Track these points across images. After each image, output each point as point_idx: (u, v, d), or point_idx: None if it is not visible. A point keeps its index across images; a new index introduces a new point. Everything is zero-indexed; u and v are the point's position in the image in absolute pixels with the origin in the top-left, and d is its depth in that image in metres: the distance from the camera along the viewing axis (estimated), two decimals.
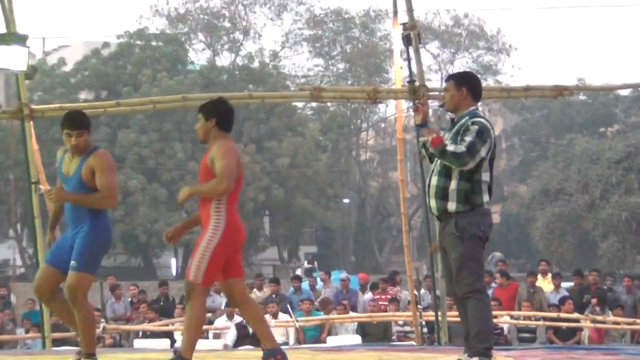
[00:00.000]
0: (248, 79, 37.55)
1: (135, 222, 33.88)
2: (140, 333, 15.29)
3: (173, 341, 14.75)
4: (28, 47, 10.46)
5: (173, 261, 39.50)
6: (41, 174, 10.80)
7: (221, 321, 15.15)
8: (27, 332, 15.03)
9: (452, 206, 6.38)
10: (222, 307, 15.72)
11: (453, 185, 6.39)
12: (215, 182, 6.25)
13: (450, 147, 6.30)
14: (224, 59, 40.73)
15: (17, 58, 10.38)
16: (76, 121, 6.76)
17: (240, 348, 12.75)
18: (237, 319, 14.58)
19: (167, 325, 15.33)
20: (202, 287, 6.30)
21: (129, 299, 17.89)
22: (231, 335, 14.04)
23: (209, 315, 15.83)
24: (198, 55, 40.84)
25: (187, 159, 35.08)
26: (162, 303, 17.30)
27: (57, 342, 12.62)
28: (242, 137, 36.32)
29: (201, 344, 13.86)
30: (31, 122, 10.83)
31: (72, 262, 6.49)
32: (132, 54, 37.43)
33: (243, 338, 13.78)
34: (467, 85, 6.61)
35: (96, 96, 35.80)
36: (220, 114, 6.69)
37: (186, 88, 31.98)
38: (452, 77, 6.80)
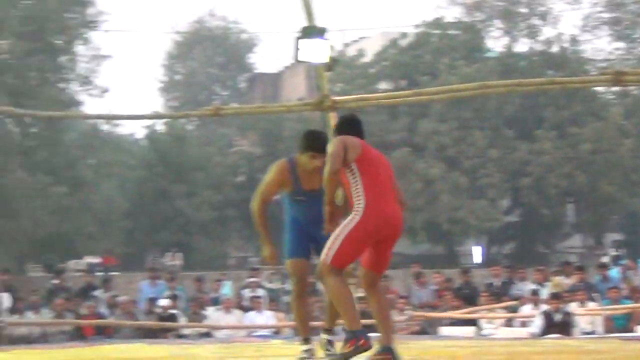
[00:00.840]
0: (547, 65, 36.84)
1: (437, 210, 34.13)
2: (446, 321, 15.41)
3: (479, 329, 14.76)
4: (328, 40, 10.75)
5: (476, 249, 39.44)
6: None
7: (527, 309, 14.99)
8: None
9: None
10: (527, 295, 15.55)
11: None
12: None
13: None
14: (522, 45, 40.16)
15: (317, 51, 10.68)
16: (325, 144, 6.92)
17: (546, 337, 12.55)
18: (543, 307, 14.37)
19: (472, 313, 15.35)
20: (331, 266, 6.27)
21: (433, 287, 18.06)
22: (537, 324, 13.84)
23: (514, 302, 15.74)
24: (495, 42, 40.50)
25: (488, 146, 34.90)
26: (465, 291, 17.35)
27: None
28: (543, 123, 35.70)
29: (507, 333, 13.85)
30: (333, 114, 11.12)
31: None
32: (429, 43, 37.66)
33: (549, 327, 13.56)
34: None
35: (395, 86, 36.33)
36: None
37: (484, 75, 31.81)
38: None
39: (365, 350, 6.18)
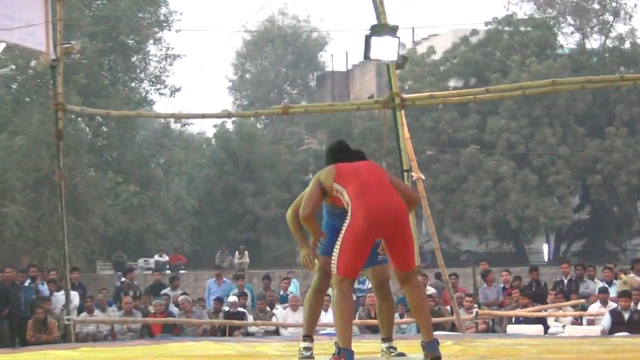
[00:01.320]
0: (619, 61, 36.39)
1: (506, 208, 33.91)
2: (514, 319, 15.27)
3: (546, 327, 14.59)
4: (398, 38, 10.73)
5: (545, 247, 39.09)
6: (413, 161, 11.03)
7: (595, 307, 14.80)
8: (401, 316, 15.40)
9: None
10: (596, 293, 15.35)
11: None
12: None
13: None
14: (594, 42, 39.68)
15: (388, 48, 10.68)
16: (351, 155, 7.09)
17: (615, 335, 12.37)
18: (612, 305, 14.17)
19: (540, 311, 15.19)
20: (338, 277, 6.33)
21: (501, 285, 17.91)
22: (606, 322, 13.65)
23: (583, 300, 15.53)
24: (567, 39, 40.07)
25: (558, 143, 34.57)
26: (533, 289, 17.18)
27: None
28: (613, 120, 35.25)
29: (574, 331, 13.68)
30: (402, 111, 11.07)
31: (382, 256, 6.87)
32: (500, 40, 37.39)
33: (618, 325, 13.37)
34: None
35: (465, 83, 36.14)
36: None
37: (555, 72, 31.53)
38: None
39: None
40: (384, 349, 6.85)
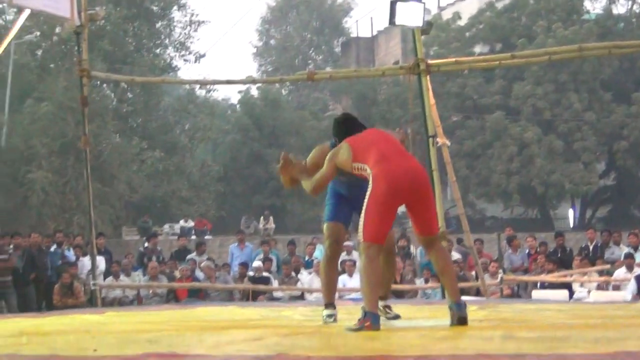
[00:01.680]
0: None
1: (532, 173, 33.79)
2: (539, 284, 15.26)
3: (571, 293, 14.58)
4: (424, 3, 10.66)
5: (570, 212, 38.97)
6: (438, 127, 10.98)
7: (620, 273, 14.76)
8: (426, 281, 15.45)
9: None
10: (621, 259, 15.30)
11: None
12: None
13: None
14: (621, 7, 39.30)
15: (413, 14, 10.61)
16: (359, 128, 7.01)
17: None
18: (637, 270, 14.13)
19: (565, 276, 15.18)
20: (366, 243, 6.31)
21: (527, 251, 17.91)
22: (631, 288, 13.61)
23: (608, 266, 15.50)
24: (593, 4, 39.69)
25: (584, 109, 34.37)
26: (559, 254, 17.16)
27: None
28: None
29: (600, 296, 13.66)
30: (428, 77, 11.02)
31: None
32: (526, 5, 37.08)
33: None
34: None
35: (491, 49, 35.91)
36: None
37: (582, 38, 31.28)
38: None
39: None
40: (380, 308, 6.85)
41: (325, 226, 7.07)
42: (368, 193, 6.37)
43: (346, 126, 6.95)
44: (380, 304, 6.88)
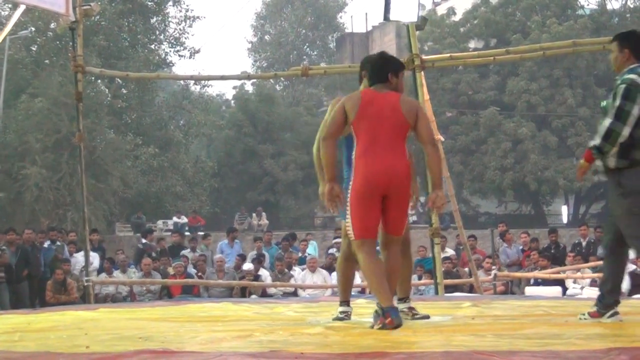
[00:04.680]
0: None
1: (526, 169, 33.83)
2: (532, 281, 15.26)
3: (564, 289, 14.59)
4: None
5: (564, 208, 39.02)
6: (432, 123, 10.97)
7: None
8: (419, 278, 15.43)
9: (612, 162, 6.07)
10: None
11: None
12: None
13: (596, 140, 6.03)
14: (615, 2, 39.41)
15: (407, 10, 10.63)
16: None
17: (634, 297, 12.36)
18: (631, 267, 14.14)
19: (559, 272, 15.18)
20: (358, 242, 6.27)
21: (520, 247, 17.92)
22: (625, 284, 13.62)
23: (600, 263, 15.50)
24: (588, 0, 39.80)
25: (578, 105, 34.40)
26: (552, 250, 17.17)
27: (449, 289, 12.88)
28: None
29: (593, 293, 13.63)
30: (422, 72, 11.02)
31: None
32: (521, 1, 37.14)
33: (637, 286, 13.39)
34: (629, 45, 6.31)
35: (485, 44, 35.98)
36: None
37: (576, 33, 31.32)
38: (615, 38, 6.50)
39: (392, 328, 6.06)
40: (404, 310, 6.80)
41: (342, 225, 6.99)
42: (349, 188, 6.31)
43: (378, 69, 6.58)
44: (404, 306, 6.83)
